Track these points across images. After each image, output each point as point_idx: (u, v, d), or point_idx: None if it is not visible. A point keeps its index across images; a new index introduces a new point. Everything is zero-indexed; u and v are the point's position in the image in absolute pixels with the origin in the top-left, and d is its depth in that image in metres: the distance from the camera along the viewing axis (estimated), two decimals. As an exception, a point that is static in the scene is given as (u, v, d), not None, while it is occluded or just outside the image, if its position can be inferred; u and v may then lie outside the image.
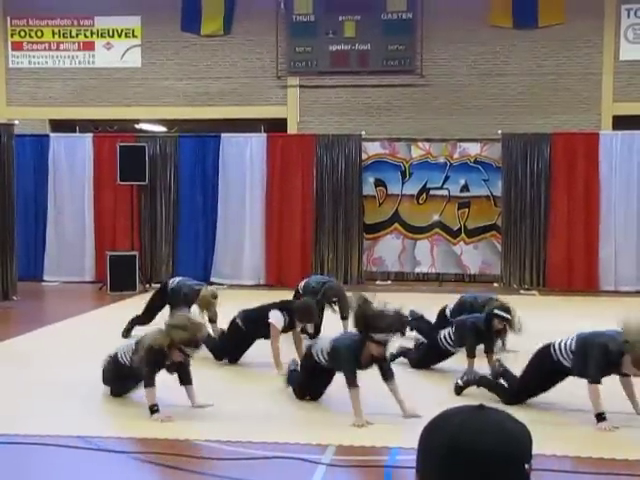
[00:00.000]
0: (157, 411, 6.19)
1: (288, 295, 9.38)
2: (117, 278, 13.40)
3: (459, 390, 6.99)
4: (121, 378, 6.73)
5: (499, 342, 7.96)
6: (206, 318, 8.46)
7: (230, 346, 8.13)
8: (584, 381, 6.23)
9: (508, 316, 7.52)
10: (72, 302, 12.66)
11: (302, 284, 9.63)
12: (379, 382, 6.33)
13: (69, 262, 14.76)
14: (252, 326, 8.00)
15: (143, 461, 5.40)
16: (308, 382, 6.81)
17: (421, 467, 1.41)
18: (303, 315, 7.92)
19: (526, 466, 1.36)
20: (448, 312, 8.85)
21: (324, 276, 10.51)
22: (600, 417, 6.06)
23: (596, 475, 5.18)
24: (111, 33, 16.02)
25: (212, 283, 13.94)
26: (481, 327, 7.58)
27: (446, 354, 7.86)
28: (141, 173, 13.97)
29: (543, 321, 9.28)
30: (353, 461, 5.41)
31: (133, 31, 15.97)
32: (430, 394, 6.84)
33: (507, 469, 1.34)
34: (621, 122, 14.75)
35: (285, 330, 7.92)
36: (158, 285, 10.48)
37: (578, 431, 6.14)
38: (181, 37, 15.89)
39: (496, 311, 7.56)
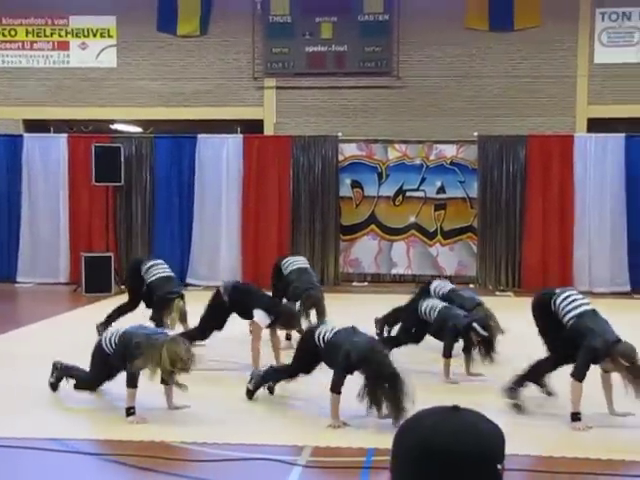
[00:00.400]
0: (133, 414, 6.14)
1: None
2: (92, 279, 13.31)
3: None
4: (100, 366, 6.63)
5: (483, 351, 7.76)
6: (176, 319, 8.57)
7: (209, 325, 8.16)
8: (559, 382, 6.29)
9: (485, 334, 7.47)
10: (46, 304, 12.56)
11: (287, 272, 9.50)
12: (356, 384, 6.32)
13: (43, 263, 14.64)
14: (235, 306, 8.06)
15: (119, 463, 5.36)
16: (299, 363, 6.68)
17: (395, 468, 1.41)
18: (288, 322, 7.92)
19: (499, 466, 1.37)
20: (432, 290, 8.85)
21: (308, 273, 9.94)
22: (575, 416, 6.11)
23: (570, 475, 5.21)
24: (86, 33, 15.91)
25: (188, 284, 13.92)
26: (461, 330, 7.59)
27: (425, 326, 7.88)
28: (116, 174, 13.89)
29: (519, 323, 9.31)
30: (329, 462, 5.41)
31: (108, 31, 15.87)
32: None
33: (480, 470, 1.35)
34: (595, 125, 14.88)
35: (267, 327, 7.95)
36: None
37: (552, 431, 6.18)
38: (157, 37, 15.81)
39: (475, 325, 7.52)
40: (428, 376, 7.44)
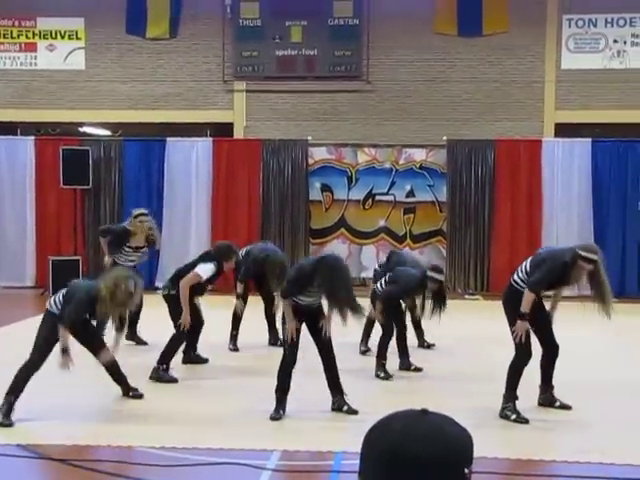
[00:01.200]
0: (68, 354, 6.20)
1: (233, 299, 9.34)
2: (60, 283, 13.04)
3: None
4: (46, 332, 6.47)
5: (436, 308, 7.82)
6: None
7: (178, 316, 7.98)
8: (525, 386, 6.35)
9: (441, 278, 7.68)
10: (12, 308, 12.41)
11: (243, 251, 9.40)
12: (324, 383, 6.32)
13: (9, 267, 14.48)
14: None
15: (85, 469, 5.31)
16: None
17: (364, 472, 1.41)
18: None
19: (466, 470, 1.38)
20: (377, 267, 9.25)
21: (267, 245, 9.88)
22: (523, 316, 6.29)
23: (536, 477, 5.25)
24: (54, 34, 15.76)
25: (157, 288, 13.81)
26: (419, 278, 7.73)
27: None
28: (85, 177, 13.80)
29: (486, 325, 9.39)
30: (298, 466, 5.40)
31: (77, 33, 15.73)
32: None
33: (448, 473, 1.36)
34: (563, 129, 15.04)
35: (210, 282, 7.95)
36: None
37: (519, 434, 6.23)
38: (126, 40, 15.71)
39: (430, 273, 7.67)
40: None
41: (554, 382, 6.83)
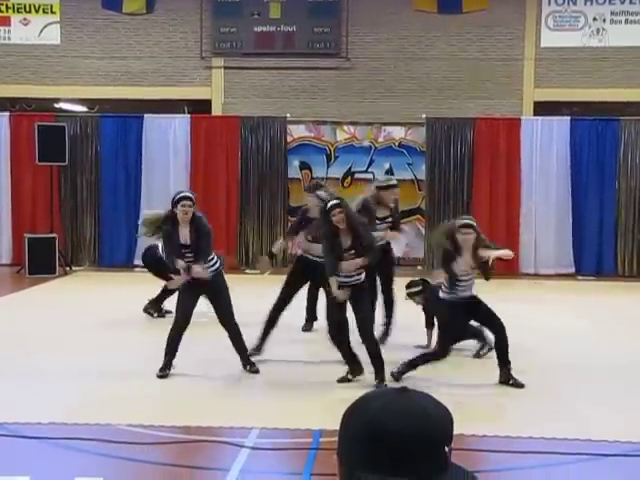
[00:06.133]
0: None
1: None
2: (36, 261, 13.07)
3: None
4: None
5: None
6: None
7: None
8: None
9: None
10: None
11: None
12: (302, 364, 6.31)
13: (-15, 245, 14.32)
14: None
15: (64, 448, 5.27)
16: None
17: (343, 450, 1.39)
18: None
19: (446, 448, 1.36)
20: None
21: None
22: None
23: (515, 454, 5.28)
24: (28, 8, 15.50)
25: (136, 266, 13.76)
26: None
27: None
28: (61, 153, 13.64)
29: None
30: (277, 444, 5.40)
31: (51, 7, 15.49)
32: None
33: (427, 452, 1.34)
34: (542, 108, 15.04)
35: None
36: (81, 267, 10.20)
37: (499, 411, 6.26)
38: (102, 14, 15.48)
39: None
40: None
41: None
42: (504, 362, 6.76)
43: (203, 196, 14.26)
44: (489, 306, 6.79)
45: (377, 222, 8.01)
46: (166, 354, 6.96)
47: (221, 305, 7.05)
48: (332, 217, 6.51)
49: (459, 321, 6.81)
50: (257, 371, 7.02)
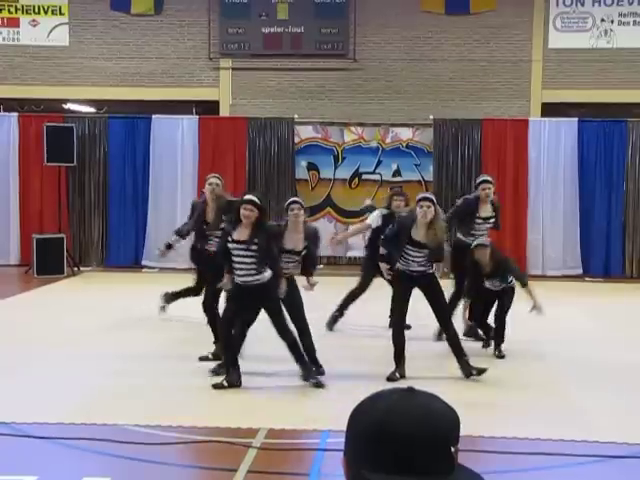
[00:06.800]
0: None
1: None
2: (44, 261, 13.11)
3: None
4: None
5: None
6: None
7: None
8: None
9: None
10: (-3, 285, 12.35)
11: None
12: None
13: (-7, 244, 14.37)
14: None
15: (70, 447, 5.29)
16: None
17: (349, 450, 1.40)
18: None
19: (452, 449, 1.36)
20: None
21: None
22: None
23: (525, 455, 5.27)
24: (37, 10, 15.56)
25: (144, 266, 13.80)
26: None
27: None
28: (69, 154, 13.68)
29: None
30: (284, 444, 5.40)
31: (60, 8, 15.53)
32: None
33: (433, 452, 1.34)
34: (549, 109, 15.02)
35: None
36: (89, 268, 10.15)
37: (507, 413, 6.26)
38: (110, 16, 15.52)
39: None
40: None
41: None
42: (460, 355, 6.98)
43: (211, 197, 14.30)
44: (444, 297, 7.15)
45: (479, 222, 8.32)
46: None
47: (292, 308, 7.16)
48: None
49: (404, 291, 7.01)
50: (322, 373, 7.03)
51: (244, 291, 6.57)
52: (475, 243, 7.83)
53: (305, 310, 7.04)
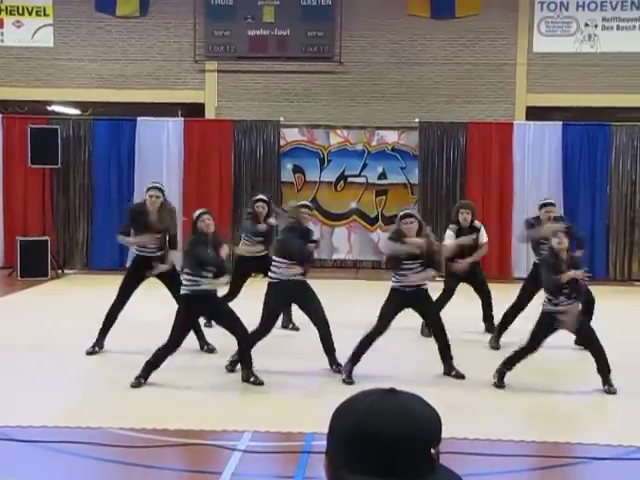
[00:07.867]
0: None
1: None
2: (27, 264, 13.04)
3: None
4: None
5: None
6: None
7: None
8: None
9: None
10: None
11: None
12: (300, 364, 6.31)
13: (-23, 247, 14.28)
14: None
15: (55, 451, 5.27)
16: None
17: (330, 450, 1.40)
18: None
19: (432, 450, 1.36)
20: None
21: None
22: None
23: (505, 457, 5.29)
24: (21, 11, 15.49)
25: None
26: None
27: None
28: (53, 156, 13.62)
29: (458, 308, 9.43)
30: (269, 447, 5.40)
31: (44, 9, 15.47)
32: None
33: (412, 453, 1.34)
34: (534, 113, 15.09)
35: None
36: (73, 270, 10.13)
37: (490, 413, 6.27)
38: (95, 17, 15.47)
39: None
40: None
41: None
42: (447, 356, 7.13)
43: (196, 199, 14.28)
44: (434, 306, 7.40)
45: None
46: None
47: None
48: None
49: (393, 309, 7.04)
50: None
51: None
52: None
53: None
